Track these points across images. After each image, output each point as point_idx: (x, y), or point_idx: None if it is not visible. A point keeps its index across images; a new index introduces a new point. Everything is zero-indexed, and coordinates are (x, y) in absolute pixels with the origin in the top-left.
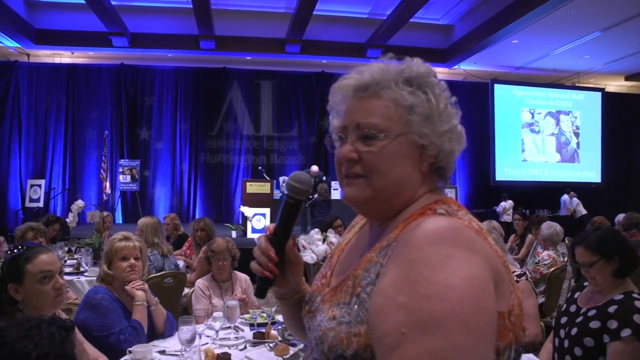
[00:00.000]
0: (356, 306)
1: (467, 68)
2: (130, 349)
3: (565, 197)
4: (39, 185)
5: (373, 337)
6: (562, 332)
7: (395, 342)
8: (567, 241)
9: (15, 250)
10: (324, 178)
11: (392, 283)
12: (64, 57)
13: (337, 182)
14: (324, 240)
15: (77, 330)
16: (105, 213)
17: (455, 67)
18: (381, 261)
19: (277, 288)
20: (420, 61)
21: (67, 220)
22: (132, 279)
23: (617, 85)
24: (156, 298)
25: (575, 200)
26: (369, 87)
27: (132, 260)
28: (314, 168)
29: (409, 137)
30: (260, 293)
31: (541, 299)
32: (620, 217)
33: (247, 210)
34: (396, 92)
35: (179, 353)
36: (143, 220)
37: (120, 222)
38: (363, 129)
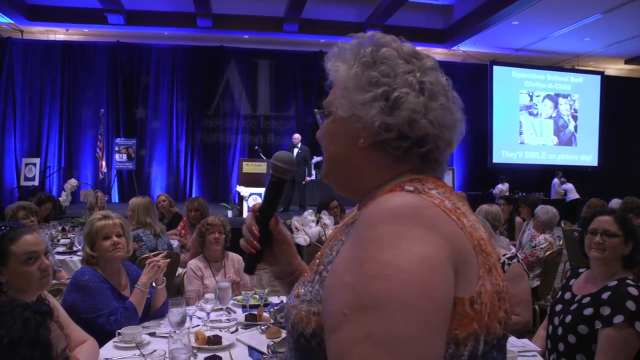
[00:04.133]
0: (317, 285)
1: (466, 49)
2: (119, 330)
3: (555, 180)
4: (34, 164)
5: (323, 317)
6: (556, 320)
7: (336, 323)
8: (563, 224)
9: None
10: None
11: (343, 261)
12: (58, 34)
13: None
14: (317, 222)
15: (63, 313)
16: (98, 191)
17: (454, 48)
18: (343, 238)
19: (269, 266)
20: (373, 33)
21: (61, 199)
22: (118, 257)
23: (616, 68)
24: (164, 278)
25: (561, 182)
26: None
27: (115, 238)
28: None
29: (337, 112)
30: (249, 269)
31: (536, 282)
32: (614, 202)
33: (244, 190)
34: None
35: (169, 335)
36: (134, 200)
37: (117, 201)
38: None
